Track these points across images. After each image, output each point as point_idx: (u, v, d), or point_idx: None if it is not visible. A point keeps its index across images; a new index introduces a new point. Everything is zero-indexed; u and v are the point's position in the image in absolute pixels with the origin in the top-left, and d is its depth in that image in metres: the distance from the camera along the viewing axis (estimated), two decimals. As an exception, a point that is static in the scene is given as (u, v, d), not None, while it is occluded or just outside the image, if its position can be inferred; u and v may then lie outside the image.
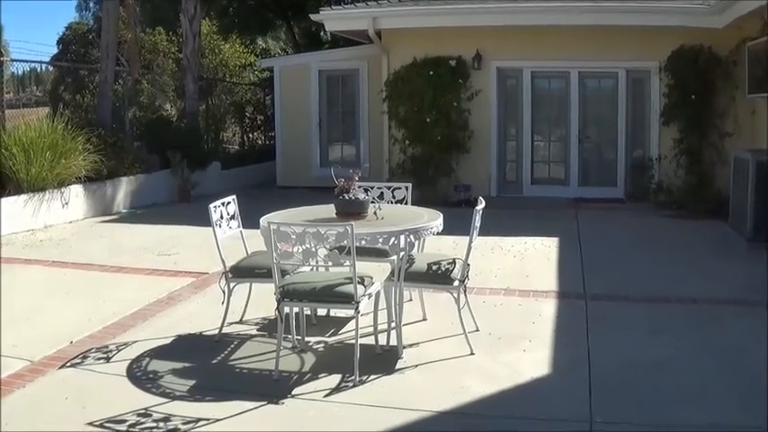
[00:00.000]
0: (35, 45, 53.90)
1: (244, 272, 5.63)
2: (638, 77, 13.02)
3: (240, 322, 5.94)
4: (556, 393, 4.61)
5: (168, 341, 5.62)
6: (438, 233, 5.40)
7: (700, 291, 6.95)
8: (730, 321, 6.01)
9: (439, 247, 6.83)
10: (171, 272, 7.82)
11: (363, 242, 5.04)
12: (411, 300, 6.16)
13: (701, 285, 7.17)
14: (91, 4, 27.31)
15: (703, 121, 12.15)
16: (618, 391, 4.63)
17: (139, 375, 4.91)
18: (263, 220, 5.17)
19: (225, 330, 5.67)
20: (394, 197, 6.38)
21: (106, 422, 4.20)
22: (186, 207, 12.57)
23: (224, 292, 5.61)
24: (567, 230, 10.02)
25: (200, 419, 4.22)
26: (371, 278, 5.15)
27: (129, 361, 5.16)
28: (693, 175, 12.20)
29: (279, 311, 4.96)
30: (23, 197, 10.39)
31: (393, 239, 5.09)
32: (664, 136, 12.65)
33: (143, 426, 4.18)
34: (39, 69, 24.43)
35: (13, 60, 15.18)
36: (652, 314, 6.25)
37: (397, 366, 5.04)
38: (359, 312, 4.87)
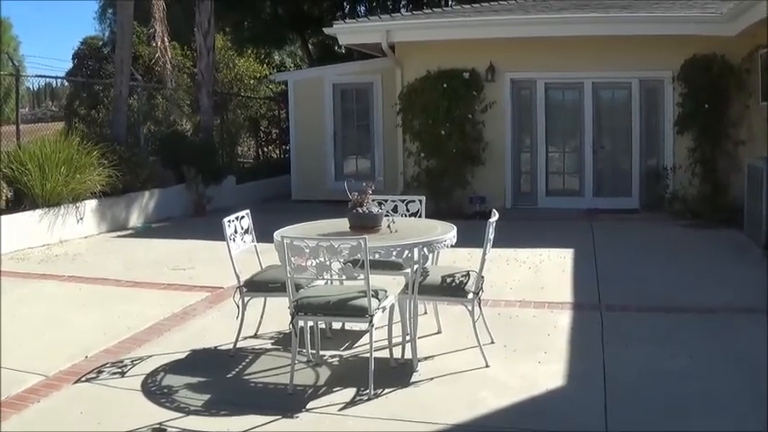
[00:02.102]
0: (50, 60, 54.43)
1: (258, 286, 5.63)
2: (652, 87, 12.99)
3: (255, 336, 5.94)
4: (571, 405, 4.58)
5: (183, 356, 5.63)
6: (452, 245, 5.38)
7: (715, 300, 6.90)
8: (746, 330, 5.95)
9: (453, 259, 6.82)
10: (186, 286, 7.84)
11: (377, 255, 5.05)
12: (425, 313, 6.14)
13: (717, 294, 7.12)
14: (109, 15, 27.54)
15: (717, 129, 12.09)
16: (634, 402, 4.59)
17: (154, 390, 4.92)
18: (277, 235, 5.18)
19: (239, 344, 5.66)
20: (408, 210, 6.37)
21: (121, 437, 4.21)
22: (201, 221, 12.59)
23: (238, 306, 5.62)
24: (582, 241, 9.98)
25: (214, 434, 4.22)
26: (386, 291, 5.13)
27: (143, 376, 5.17)
28: (708, 184, 12.15)
29: (293, 325, 4.95)
30: (38, 212, 10.46)
31: (407, 252, 5.08)
32: (678, 145, 12.61)
33: (158, 441, 4.19)
34: (54, 84, 24.56)
35: (28, 75, 15.33)
36: (668, 324, 6.20)
37: (412, 379, 5.02)
38: (373, 326, 4.86)
